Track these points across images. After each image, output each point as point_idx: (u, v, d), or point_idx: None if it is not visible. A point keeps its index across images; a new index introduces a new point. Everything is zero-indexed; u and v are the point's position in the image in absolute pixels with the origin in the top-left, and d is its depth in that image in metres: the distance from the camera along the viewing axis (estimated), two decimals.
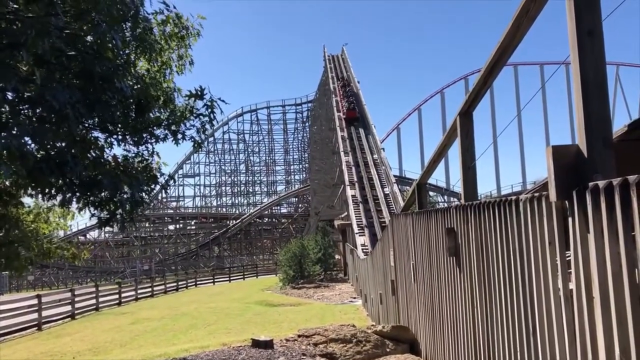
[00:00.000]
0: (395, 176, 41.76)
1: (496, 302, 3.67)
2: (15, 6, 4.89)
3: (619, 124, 3.72)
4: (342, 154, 42.69)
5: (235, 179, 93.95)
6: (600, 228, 2.23)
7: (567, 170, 2.52)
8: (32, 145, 5.44)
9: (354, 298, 23.64)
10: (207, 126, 7.13)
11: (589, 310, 2.34)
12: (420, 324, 6.93)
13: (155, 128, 6.73)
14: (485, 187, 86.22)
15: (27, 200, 9.11)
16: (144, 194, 6.67)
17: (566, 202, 2.54)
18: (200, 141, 7.29)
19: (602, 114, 2.52)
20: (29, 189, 6.75)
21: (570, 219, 2.50)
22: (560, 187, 2.51)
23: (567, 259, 2.63)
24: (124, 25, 5.71)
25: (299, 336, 8.20)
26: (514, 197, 3.25)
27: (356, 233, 31.74)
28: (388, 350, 7.50)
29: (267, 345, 7.76)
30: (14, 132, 4.83)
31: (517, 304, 3.25)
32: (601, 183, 2.21)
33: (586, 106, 2.52)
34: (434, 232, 5.57)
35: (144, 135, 6.68)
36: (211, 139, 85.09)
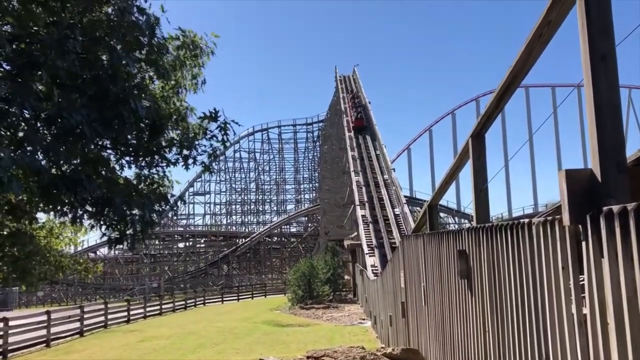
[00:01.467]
0: (405, 196, 41.65)
1: (508, 327, 3.63)
2: (35, 28, 5.00)
3: (632, 147, 3.70)
4: (352, 173, 42.70)
5: (246, 198, 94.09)
6: (614, 253, 2.21)
7: (581, 194, 2.51)
8: (47, 162, 5.52)
9: (363, 319, 23.43)
10: (220, 148, 7.20)
11: (604, 336, 2.31)
12: (430, 347, 6.85)
13: (167, 151, 6.81)
14: (496, 209, 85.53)
15: (39, 216, 9.22)
16: (154, 214, 6.72)
17: (580, 226, 2.52)
18: (209, 166, 7.37)
19: (616, 138, 2.52)
20: (42, 205, 6.83)
21: (584, 244, 2.48)
22: (574, 212, 2.50)
23: (581, 283, 2.61)
24: (140, 51, 5.82)
25: (308, 357, 8.14)
26: (526, 221, 3.24)
27: (366, 253, 31.58)
28: None
29: None
30: (29, 149, 4.91)
31: (530, 329, 3.21)
32: (615, 208, 2.20)
33: (600, 130, 2.52)
34: (446, 254, 5.54)
35: (156, 157, 6.76)
36: (222, 157, 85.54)
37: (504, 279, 3.68)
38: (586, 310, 2.49)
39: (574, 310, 2.68)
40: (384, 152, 46.56)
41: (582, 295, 2.58)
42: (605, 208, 2.28)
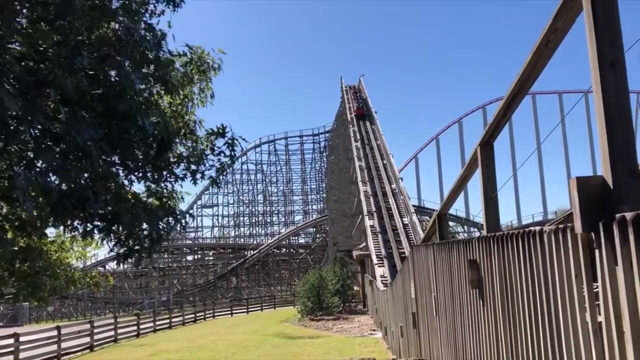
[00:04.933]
0: (414, 206, 41.51)
1: (521, 337, 3.59)
2: (44, 46, 5.06)
3: None
4: (360, 183, 42.65)
5: (253, 209, 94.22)
6: (629, 260, 2.18)
7: (593, 201, 2.48)
8: (56, 180, 5.55)
9: (374, 330, 23.29)
10: (227, 164, 7.23)
11: (620, 345, 2.28)
12: (442, 358, 6.79)
13: (174, 166, 6.85)
14: (506, 217, 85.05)
15: (50, 231, 9.27)
16: (162, 230, 6.74)
17: (592, 234, 2.50)
18: (217, 180, 7.41)
19: (626, 145, 2.50)
20: (52, 220, 6.87)
21: (597, 252, 2.45)
22: (586, 219, 2.47)
23: (595, 291, 2.58)
24: (147, 66, 5.87)
25: None
26: (537, 229, 3.21)
27: (375, 264, 31.44)
28: None
29: None
30: (39, 168, 4.95)
31: (544, 338, 3.18)
32: (628, 215, 2.17)
33: (610, 137, 2.50)
34: (456, 264, 5.50)
35: (164, 173, 6.79)
36: (229, 170, 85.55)
37: (516, 288, 3.64)
38: (601, 319, 2.47)
39: (588, 319, 2.65)
40: (391, 162, 46.53)
41: (597, 303, 2.55)
42: (618, 215, 2.26)
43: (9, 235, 6.57)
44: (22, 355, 17.67)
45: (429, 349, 7.86)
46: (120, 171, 6.76)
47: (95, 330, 23.39)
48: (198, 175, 6.97)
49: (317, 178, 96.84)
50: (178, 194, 7.37)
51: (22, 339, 17.98)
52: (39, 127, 4.98)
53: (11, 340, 17.43)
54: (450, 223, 61.73)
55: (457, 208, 71.81)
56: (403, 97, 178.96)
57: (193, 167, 6.91)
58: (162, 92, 6.72)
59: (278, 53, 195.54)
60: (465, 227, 68.65)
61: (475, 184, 5.29)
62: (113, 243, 6.49)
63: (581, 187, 2.52)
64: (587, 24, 2.66)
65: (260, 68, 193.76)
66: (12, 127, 5.08)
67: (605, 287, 2.37)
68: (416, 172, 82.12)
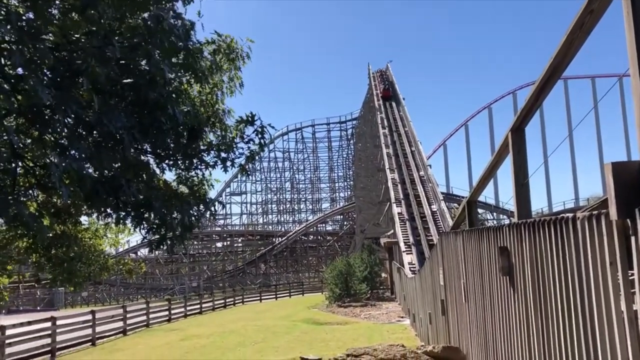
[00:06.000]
0: (442, 193, 41.16)
1: (553, 324, 3.55)
2: (77, 35, 5.15)
3: None
4: (387, 171, 42.44)
5: (281, 197, 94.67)
6: None
7: (629, 187, 2.43)
8: (89, 168, 5.67)
9: (402, 317, 23.29)
10: (256, 151, 7.27)
11: None
12: (472, 345, 6.76)
13: (205, 154, 6.92)
14: (536, 204, 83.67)
15: (83, 218, 9.50)
16: (193, 218, 6.83)
17: (628, 220, 2.45)
18: (247, 168, 7.47)
19: None
20: (85, 208, 7.02)
21: (633, 239, 2.40)
22: (622, 205, 2.43)
23: (630, 278, 2.53)
24: (177, 56, 5.92)
25: (348, 355, 8.14)
26: (570, 215, 3.16)
27: (403, 251, 31.36)
28: None
29: None
30: (75, 155, 5.06)
31: (577, 326, 3.13)
32: None
33: None
34: (486, 251, 5.45)
35: (195, 161, 6.86)
36: (257, 157, 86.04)
37: (547, 276, 3.60)
38: (637, 307, 2.42)
39: (623, 307, 2.61)
40: (420, 149, 46.12)
41: (632, 291, 2.50)
42: None
43: (46, 222, 6.75)
44: (59, 338, 18.24)
45: (457, 336, 7.83)
46: (152, 159, 6.87)
47: (128, 315, 23.96)
48: (228, 163, 7.02)
49: (345, 166, 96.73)
50: (208, 182, 7.46)
51: (59, 322, 18.54)
52: (72, 115, 5.09)
53: (49, 324, 18.00)
54: (479, 210, 61.07)
55: (487, 195, 70.95)
56: (432, 84, 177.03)
57: (223, 154, 6.97)
58: (192, 80, 6.78)
59: (305, 39, 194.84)
60: (495, 214, 67.80)
61: (505, 170, 5.23)
62: (145, 231, 6.61)
63: (617, 172, 2.46)
64: (625, 4, 2.58)
65: (287, 55, 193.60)
66: (46, 117, 5.20)
67: None
68: (445, 158, 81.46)
